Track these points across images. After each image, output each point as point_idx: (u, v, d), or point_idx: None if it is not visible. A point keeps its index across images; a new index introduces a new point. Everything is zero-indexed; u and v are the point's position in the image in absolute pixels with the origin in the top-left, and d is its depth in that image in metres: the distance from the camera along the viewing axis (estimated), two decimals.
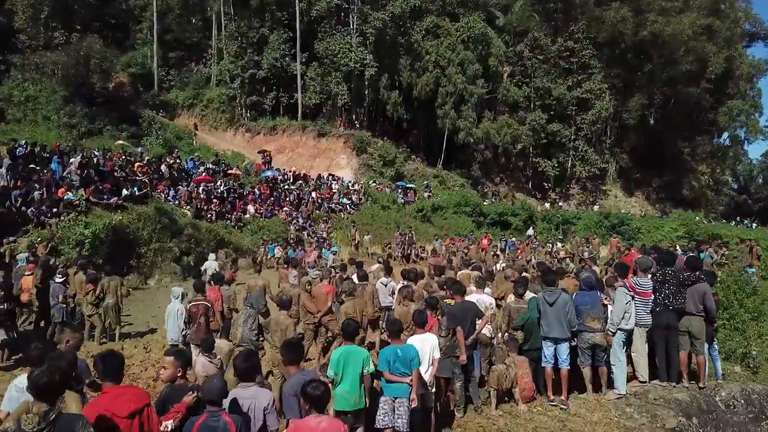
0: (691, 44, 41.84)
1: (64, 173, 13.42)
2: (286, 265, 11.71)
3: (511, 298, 6.65)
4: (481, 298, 6.27)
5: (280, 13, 43.59)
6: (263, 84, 44.55)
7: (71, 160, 13.77)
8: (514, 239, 22.35)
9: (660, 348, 5.86)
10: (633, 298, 5.65)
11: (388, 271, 9.24)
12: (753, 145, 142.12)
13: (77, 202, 12.68)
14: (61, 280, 8.28)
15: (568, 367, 5.77)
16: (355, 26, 40.25)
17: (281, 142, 41.54)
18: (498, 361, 5.49)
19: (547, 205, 43.76)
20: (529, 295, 6.42)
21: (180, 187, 18.39)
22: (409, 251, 20.10)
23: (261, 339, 6.48)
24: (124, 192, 14.64)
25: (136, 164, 17.77)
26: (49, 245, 11.15)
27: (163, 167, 20.35)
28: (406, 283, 7.26)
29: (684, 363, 5.84)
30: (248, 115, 44.97)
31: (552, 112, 45.73)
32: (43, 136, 30.50)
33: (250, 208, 21.49)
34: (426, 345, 4.88)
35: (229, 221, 19.43)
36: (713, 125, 51.39)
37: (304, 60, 42.18)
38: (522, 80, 46.71)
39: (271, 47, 42.80)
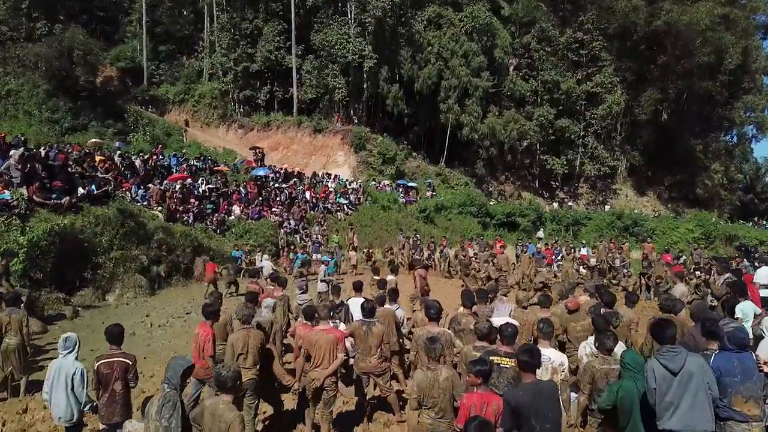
0: (708, 35, 39.58)
1: (2, 168, 11.21)
2: (254, 278, 9.31)
3: (584, 348, 4.42)
4: (547, 354, 4.06)
5: (275, 3, 42.06)
6: (257, 78, 42.93)
7: (11, 152, 11.55)
8: (538, 244, 19.85)
9: None
10: None
11: (394, 295, 6.98)
12: (757, 144, 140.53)
13: (15, 202, 10.44)
14: None
15: None
16: (353, 16, 38.15)
17: (275, 139, 39.57)
18: None
19: (555, 204, 41.70)
20: (619, 348, 4.17)
21: (152, 185, 16.08)
22: (414, 258, 17.74)
23: None
24: (80, 191, 12.41)
25: (97, 158, 15.50)
26: None
27: (137, 162, 18.07)
28: (433, 332, 4.82)
29: None
30: (241, 110, 43.36)
31: (560, 107, 43.61)
32: (24, 132, 28.82)
33: (236, 209, 19.21)
34: None
35: (210, 224, 17.18)
36: (727, 121, 49.29)
37: (299, 52, 40.39)
38: (529, 73, 44.54)
39: (265, 39, 41.20)
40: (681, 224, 34.78)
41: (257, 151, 33.77)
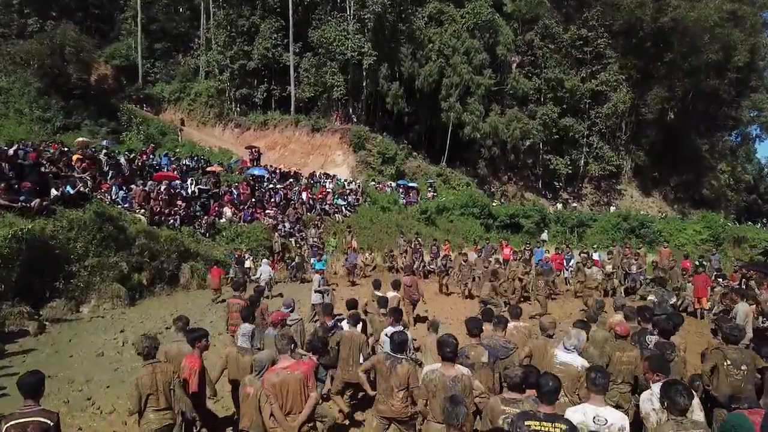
0: (717, 31, 38.55)
1: None
2: (237, 292, 8.28)
3: (649, 401, 3.41)
4: (602, 414, 3.07)
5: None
6: (254, 76, 42.15)
7: None
8: (545, 249, 18.63)
9: None
10: None
11: (398, 315, 5.97)
12: (761, 144, 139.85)
13: None
14: None
15: None
16: (352, 12, 37.20)
17: (273, 138, 38.69)
18: None
19: (559, 205, 40.67)
20: (696, 404, 3.14)
21: (134, 185, 15.02)
22: (416, 263, 16.74)
23: None
24: (54, 192, 11.44)
25: (74, 157, 14.47)
26: None
27: (122, 161, 17.06)
28: (449, 375, 3.85)
29: None
30: (238, 109, 42.57)
31: (564, 106, 42.61)
32: (13, 131, 28.09)
33: (227, 210, 18.20)
34: None
35: (198, 227, 16.18)
36: (733, 120, 48.31)
37: (297, 50, 39.56)
38: (532, 71, 43.56)
39: (262, 36, 40.45)
40: (688, 225, 33.81)
41: (253, 150, 32.87)
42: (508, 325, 7.41)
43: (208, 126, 42.15)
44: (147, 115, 39.77)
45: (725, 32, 38.97)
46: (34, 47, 34.54)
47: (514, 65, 43.87)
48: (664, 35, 41.17)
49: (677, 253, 18.14)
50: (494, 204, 34.93)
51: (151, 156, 22.13)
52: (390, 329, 5.81)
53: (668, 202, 46.75)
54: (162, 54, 46.77)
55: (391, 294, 8.23)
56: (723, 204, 48.52)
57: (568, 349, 4.42)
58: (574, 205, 41.53)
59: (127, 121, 36.72)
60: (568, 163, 43.50)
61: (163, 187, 15.62)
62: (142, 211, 14.18)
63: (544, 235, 30.69)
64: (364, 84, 37.93)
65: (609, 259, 14.49)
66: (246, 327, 5.34)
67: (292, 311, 6.75)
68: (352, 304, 6.54)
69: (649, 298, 8.24)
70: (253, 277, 13.43)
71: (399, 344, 4.53)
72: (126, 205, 14.10)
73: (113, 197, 14.06)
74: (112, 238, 12.20)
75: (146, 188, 15.22)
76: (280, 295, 14.05)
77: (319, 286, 10.97)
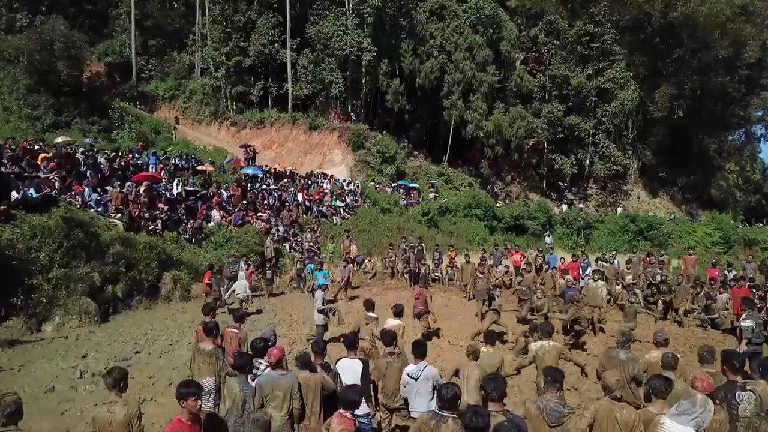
0: (729, 26, 37.32)
1: None
2: (207, 316, 6.90)
3: None
4: None
5: None
6: (250, 73, 41.11)
7: None
8: (558, 255, 17.24)
9: None
10: None
11: (419, 351, 4.78)
12: (766, 144, 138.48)
13: None
14: None
15: None
16: (351, 6, 36.01)
17: (269, 137, 37.61)
18: None
19: (564, 206, 39.43)
20: None
21: (109, 187, 13.71)
22: (417, 269, 15.52)
23: None
24: (14, 195, 10.26)
25: (41, 156, 13.21)
26: None
27: (101, 160, 15.83)
28: None
29: None
30: (234, 107, 41.49)
31: (570, 104, 41.41)
32: (0, 129, 27.15)
33: (215, 214, 16.98)
34: None
35: (183, 232, 14.95)
36: (741, 119, 47.10)
37: (294, 46, 38.48)
38: (537, 68, 42.40)
39: (258, 32, 39.42)
40: (698, 227, 32.67)
41: (248, 149, 31.63)
42: (531, 345, 6.21)
43: (204, 124, 41.05)
44: (140, 113, 38.69)
45: (736, 27, 37.73)
46: (23, 43, 33.56)
47: (518, 62, 42.70)
48: (674, 31, 39.96)
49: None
50: (498, 205, 33.78)
51: (137, 155, 20.95)
52: (412, 368, 4.64)
53: (676, 203, 45.57)
54: (156, 51, 45.65)
55: (392, 322, 6.91)
56: (731, 204, 47.32)
57: (683, 416, 3.26)
58: (580, 206, 40.34)
59: (119, 119, 35.65)
60: (574, 162, 42.35)
61: (142, 189, 14.39)
62: (119, 215, 12.97)
63: (548, 238, 29.43)
64: (364, 81, 36.79)
65: (629, 269, 13.19)
66: (207, 383, 4.05)
67: (272, 345, 5.53)
68: (351, 340, 5.26)
69: (744, 324, 6.79)
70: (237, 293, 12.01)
71: (448, 401, 3.62)
72: (100, 209, 12.89)
73: (86, 200, 12.85)
74: (81, 246, 10.99)
75: (124, 190, 14.00)
76: (260, 311, 12.75)
77: (323, 305, 9.65)
